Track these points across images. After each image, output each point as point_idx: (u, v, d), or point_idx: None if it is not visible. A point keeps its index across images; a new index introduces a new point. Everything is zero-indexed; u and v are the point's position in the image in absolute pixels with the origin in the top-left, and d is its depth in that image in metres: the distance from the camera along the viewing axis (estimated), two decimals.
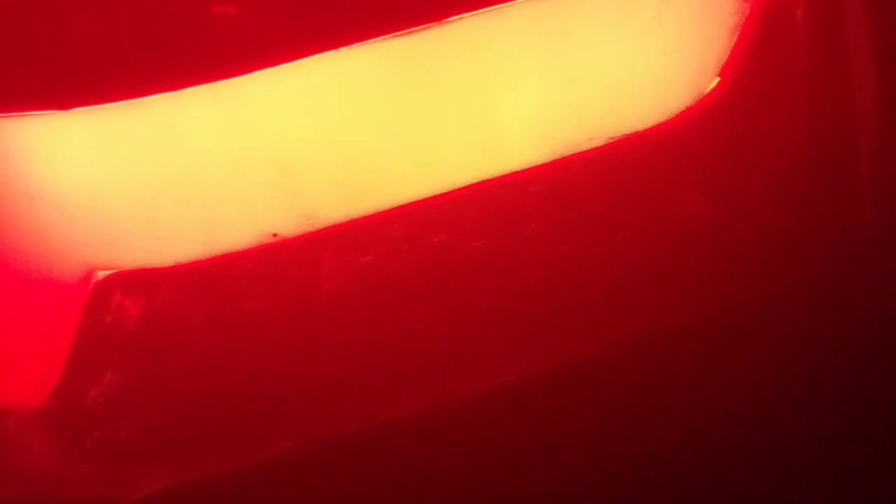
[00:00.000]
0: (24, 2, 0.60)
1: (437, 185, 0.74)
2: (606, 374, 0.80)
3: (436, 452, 0.76)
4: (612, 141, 0.78)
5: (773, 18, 0.76)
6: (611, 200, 0.80)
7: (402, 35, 0.67)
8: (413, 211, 0.72)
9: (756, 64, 0.77)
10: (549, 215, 0.79)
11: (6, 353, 0.66)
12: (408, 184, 0.72)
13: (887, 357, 0.86)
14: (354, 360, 0.73)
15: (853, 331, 0.85)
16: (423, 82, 0.70)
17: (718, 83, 0.78)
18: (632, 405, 0.82)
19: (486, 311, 0.78)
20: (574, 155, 0.78)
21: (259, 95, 0.65)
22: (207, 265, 0.68)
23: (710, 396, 0.84)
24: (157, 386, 0.68)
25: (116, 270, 0.67)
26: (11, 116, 0.62)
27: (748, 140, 0.81)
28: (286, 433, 0.70)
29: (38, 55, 0.61)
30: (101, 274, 0.66)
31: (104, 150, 0.65)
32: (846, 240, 0.83)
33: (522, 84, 0.74)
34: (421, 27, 0.68)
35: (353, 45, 0.66)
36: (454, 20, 0.68)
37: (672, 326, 0.80)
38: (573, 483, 0.84)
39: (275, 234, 0.67)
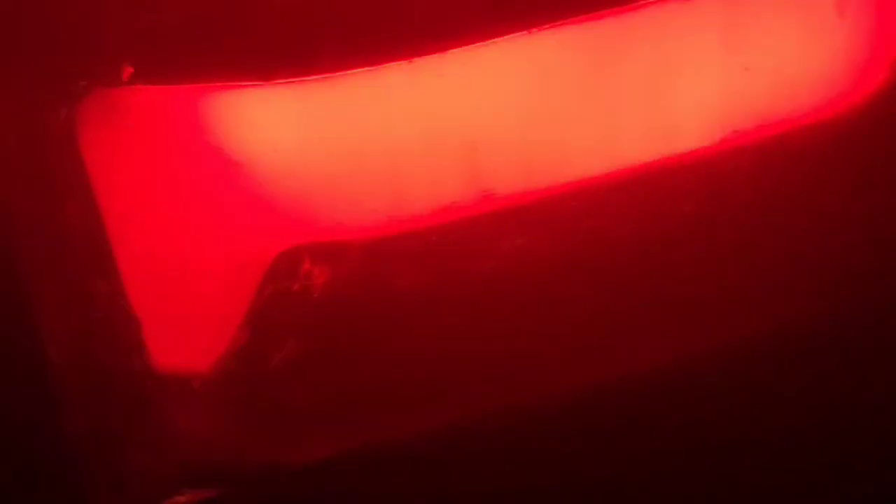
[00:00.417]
0: None
1: (610, 167, 0.75)
2: (755, 365, 0.81)
3: (589, 435, 0.78)
4: (780, 130, 0.78)
5: None
6: (773, 190, 0.80)
7: (589, 21, 0.68)
8: (584, 191, 0.74)
9: None
10: (710, 200, 0.80)
11: (178, 318, 0.69)
12: (582, 164, 0.73)
13: None
14: (523, 337, 0.74)
15: None
16: (604, 67, 0.71)
17: (892, 78, 0.77)
18: (775, 399, 0.83)
19: (643, 295, 0.79)
20: (742, 142, 0.78)
21: (453, 73, 0.67)
22: (390, 237, 0.70)
23: (849, 400, 0.84)
24: (334, 355, 0.71)
25: (303, 240, 0.69)
26: (220, 88, 0.64)
27: None
28: (451, 406, 0.72)
29: (246, 29, 0.63)
30: (287, 243, 0.68)
31: (302, 122, 0.66)
32: None
33: (699, 70, 0.74)
34: (608, 15, 0.69)
35: (543, 30, 0.67)
36: (640, 9, 0.69)
37: (827, 321, 0.81)
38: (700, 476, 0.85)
39: (459, 206, 0.69)
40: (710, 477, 0.86)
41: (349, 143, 0.68)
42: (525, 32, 0.67)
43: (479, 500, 0.77)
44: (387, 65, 0.65)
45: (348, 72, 0.65)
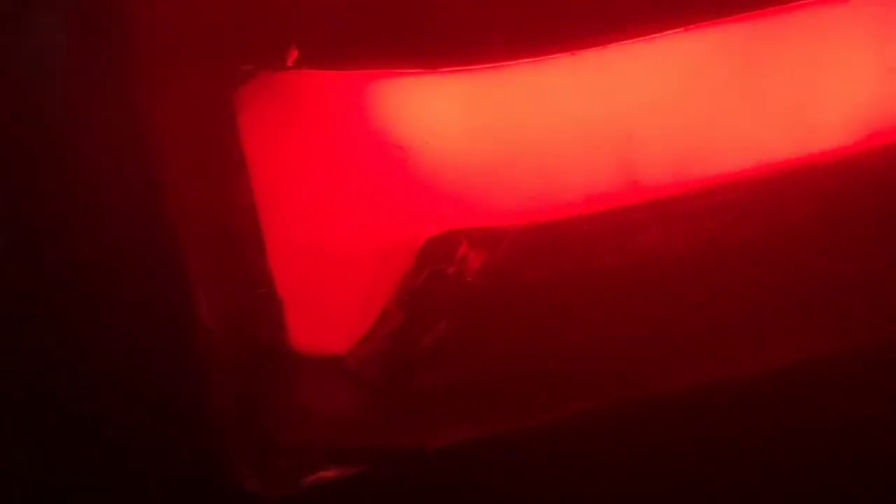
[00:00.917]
0: None
1: (752, 165, 0.75)
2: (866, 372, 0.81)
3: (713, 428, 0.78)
4: None
5: None
6: None
7: (743, 21, 0.69)
8: (725, 187, 0.74)
9: None
10: (843, 200, 0.80)
11: (322, 299, 0.70)
12: (726, 161, 0.74)
13: None
14: (660, 329, 0.75)
15: None
16: (754, 65, 0.72)
17: None
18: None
19: (774, 292, 0.80)
20: (879, 144, 0.79)
21: (612, 67, 0.68)
22: (543, 225, 0.71)
23: None
24: (482, 339, 0.72)
25: (461, 224, 0.70)
26: (385, 75, 0.66)
27: None
28: (588, 395, 0.73)
29: (415, 16, 0.64)
30: (445, 227, 0.70)
31: (465, 110, 0.68)
32: None
33: (845, 72, 0.75)
34: (763, 15, 0.70)
35: (699, 27, 0.68)
36: (795, 10, 0.70)
37: None
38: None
39: (611, 196, 0.70)
40: (832, 477, 0.86)
41: (509, 131, 0.69)
42: (681, 30, 0.68)
43: (608, 489, 0.78)
44: (551, 56, 0.66)
45: (513, 62, 0.66)
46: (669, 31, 0.68)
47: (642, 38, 0.67)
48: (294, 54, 0.64)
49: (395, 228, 0.69)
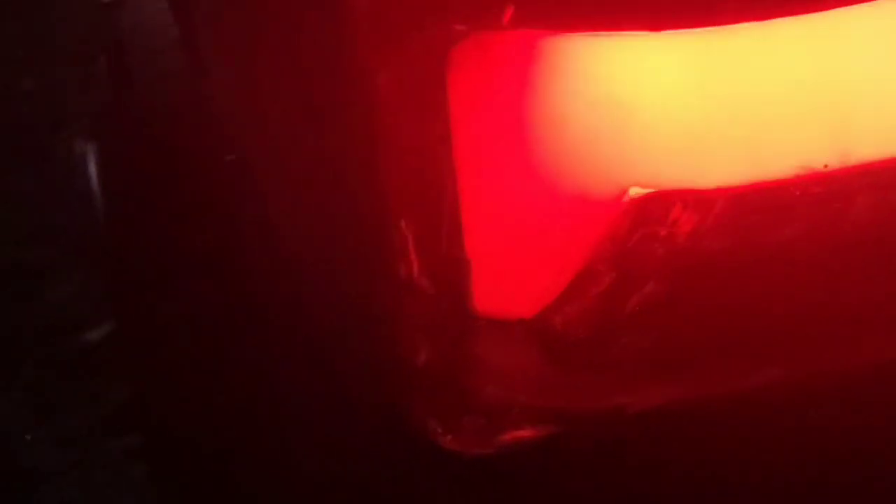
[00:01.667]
0: None
1: None
2: None
3: None
4: None
5: None
6: None
7: None
8: None
9: None
10: None
11: (512, 262, 0.69)
12: None
13: None
14: (869, 299, 0.73)
15: None
16: None
17: None
18: None
19: None
20: None
21: (836, 31, 0.66)
22: (754, 191, 0.70)
23: None
24: (685, 302, 0.71)
25: (676, 186, 0.69)
26: (604, 35, 0.65)
27: None
28: (783, 364, 0.71)
29: None
30: (635, 191, 0.69)
31: (683, 72, 0.66)
32: None
33: None
34: None
35: None
36: None
37: None
38: None
39: (825, 165, 0.68)
40: None
41: (727, 95, 0.68)
42: None
43: (794, 459, 0.77)
44: (776, 19, 0.64)
45: (738, 24, 0.64)
46: None
47: (866, 2, 0.64)
48: (509, 13, 0.64)
49: (601, 191, 0.68)
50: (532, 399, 0.69)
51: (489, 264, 0.68)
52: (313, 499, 0.81)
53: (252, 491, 1.00)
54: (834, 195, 0.70)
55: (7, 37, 2.83)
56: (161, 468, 1.79)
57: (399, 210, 0.66)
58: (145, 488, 1.77)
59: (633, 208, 0.68)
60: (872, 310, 0.73)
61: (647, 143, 0.68)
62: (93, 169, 1.25)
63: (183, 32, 1.11)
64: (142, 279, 1.13)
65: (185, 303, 1.05)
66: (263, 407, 0.90)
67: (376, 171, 0.66)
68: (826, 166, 0.68)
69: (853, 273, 0.73)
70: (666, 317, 0.70)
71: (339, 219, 0.70)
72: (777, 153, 0.69)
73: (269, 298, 0.85)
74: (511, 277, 0.69)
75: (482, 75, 0.66)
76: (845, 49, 0.67)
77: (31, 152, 2.45)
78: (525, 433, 0.69)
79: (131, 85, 1.11)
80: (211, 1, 0.86)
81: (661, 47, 0.66)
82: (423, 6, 0.64)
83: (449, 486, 0.69)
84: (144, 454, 1.82)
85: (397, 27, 0.64)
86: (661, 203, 0.69)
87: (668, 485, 0.74)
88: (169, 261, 1.08)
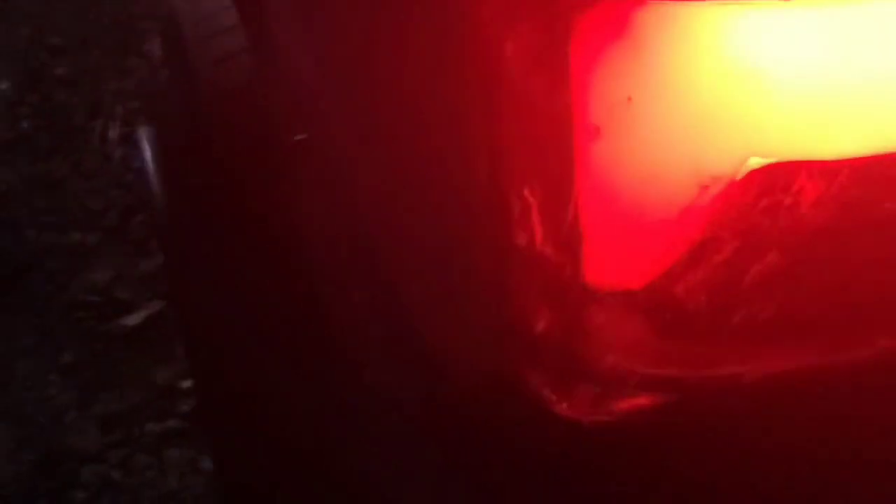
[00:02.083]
0: None
1: None
2: None
3: None
4: None
5: None
6: None
7: None
8: None
9: None
10: None
11: (624, 233, 0.68)
12: None
13: None
14: None
15: None
16: None
17: None
18: None
19: None
20: None
21: None
22: (879, 162, 0.69)
23: None
24: (802, 274, 0.70)
25: (803, 156, 0.68)
26: (735, 6, 0.64)
27: None
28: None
29: None
30: (757, 161, 0.67)
31: (814, 43, 0.65)
32: None
33: None
34: None
35: None
36: None
37: None
38: None
39: None
40: None
41: (856, 65, 0.66)
42: None
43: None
44: None
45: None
46: None
47: None
48: None
49: (723, 160, 0.67)
50: (648, 367, 0.68)
51: (605, 233, 0.67)
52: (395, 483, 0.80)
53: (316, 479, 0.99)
54: None
55: (42, 22, 2.83)
56: (203, 452, 1.79)
57: (523, 178, 0.65)
58: (186, 472, 1.76)
59: (758, 177, 0.67)
60: None
61: (772, 113, 0.66)
62: (148, 153, 1.23)
63: (243, 13, 1.10)
64: (201, 262, 1.11)
65: (252, 284, 1.04)
66: (335, 392, 0.89)
67: (499, 140, 0.65)
68: None
69: None
70: (784, 286, 0.69)
71: (446, 190, 0.69)
72: None
73: (338, 278, 0.84)
74: (627, 246, 0.68)
75: (607, 44, 0.64)
76: None
77: (67, 137, 2.45)
78: (641, 401, 0.68)
79: (189, 67, 1.09)
80: None
81: (791, 16, 0.65)
82: None
83: (562, 455, 0.68)
84: (186, 438, 1.82)
85: None
86: (786, 172, 0.67)
87: (778, 461, 0.73)
88: (232, 243, 1.06)
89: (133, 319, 2.03)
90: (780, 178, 0.67)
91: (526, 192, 0.65)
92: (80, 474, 1.76)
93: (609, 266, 0.68)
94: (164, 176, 1.19)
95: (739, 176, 0.67)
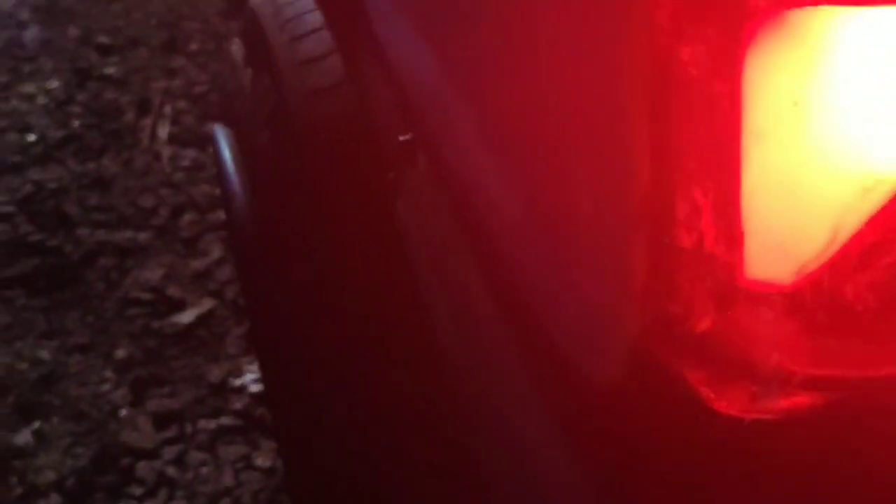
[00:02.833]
0: None
1: None
2: None
3: None
4: None
5: None
6: None
7: None
8: None
9: None
10: None
11: (778, 231, 0.67)
12: None
13: None
14: None
15: None
16: None
17: None
18: None
19: None
20: None
21: None
22: None
23: None
24: None
25: None
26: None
27: None
28: None
29: None
30: None
31: None
32: None
33: None
34: None
35: None
36: None
37: None
38: None
39: None
40: None
41: None
42: None
43: None
44: None
45: None
46: None
47: None
48: None
49: (890, 163, 0.66)
50: (811, 367, 0.67)
51: (770, 234, 0.66)
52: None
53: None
54: None
55: (90, 23, 2.83)
56: (255, 449, 1.78)
57: (693, 180, 0.64)
58: (241, 468, 1.76)
59: None
60: None
61: None
62: (227, 152, 1.23)
63: (328, 16, 1.10)
64: (282, 259, 1.11)
65: (341, 284, 1.03)
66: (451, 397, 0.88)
67: (669, 142, 0.64)
68: None
69: None
70: None
71: (599, 192, 0.68)
72: None
73: (452, 279, 0.83)
74: (792, 247, 0.68)
75: (779, 49, 0.64)
76: None
77: (117, 136, 2.46)
78: (802, 399, 0.67)
79: (274, 69, 1.09)
80: None
81: None
82: None
83: (721, 451, 0.67)
84: (240, 434, 1.81)
85: (703, 1, 0.62)
86: None
87: None
88: (319, 241, 1.06)
89: (185, 317, 2.03)
90: None
91: (696, 194, 0.65)
92: (135, 470, 1.76)
93: (773, 267, 0.68)
94: (245, 176, 1.18)
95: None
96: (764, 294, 0.66)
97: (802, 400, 0.66)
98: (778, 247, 0.67)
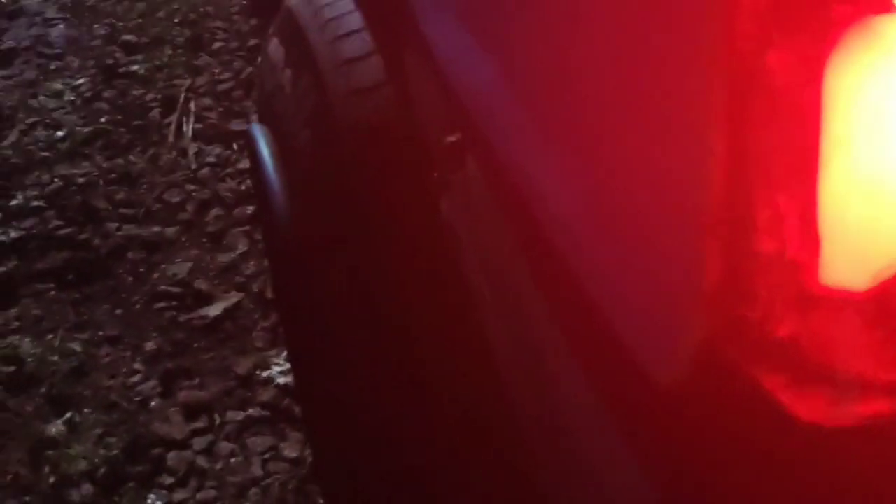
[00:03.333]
0: None
1: None
2: None
3: None
4: None
5: None
6: None
7: None
8: None
9: None
10: None
11: (858, 238, 0.67)
12: None
13: None
14: None
15: None
16: None
17: None
18: None
19: None
20: None
21: None
22: None
23: None
24: None
25: None
26: None
27: None
28: None
29: None
30: None
31: None
32: None
33: None
34: None
35: None
36: None
37: None
38: None
39: None
40: None
41: None
42: None
43: None
44: None
45: None
46: None
47: None
48: None
49: None
50: (890, 372, 0.67)
51: (853, 240, 0.66)
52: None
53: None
54: None
55: (116, 21, 2.85)
56: (283, 440, 1.80)
57: (775, 186, 0.64)
58: (269, 459, 1.78)
59: None
60: None
61: None
62: (265, 152, 1.24)
63: (368, 17, 1.11)
64: (320, 265, 1.11)
65: (387, 282, 1.04)
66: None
67: (752, 148, 0.64)
68: None
69: None
70: None
71: (670, 197, 0.68)
72: None
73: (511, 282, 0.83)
74: (875, 253, 0.67)
75: (864, 56, 0.64)
76: None
77: (143, 132, 2.48)
78: (883, 405, 0.67)
79: (315, 70, 1.10)
80: None
81: None
82: None
83: (799, 457, 0.67)
84: (267, 426, 1.84)
85: (787, 7, 0.63)
86: None
87: None
88: (362, 240, 1.06)
89: (213, 311, 2.05)
90: None
91: (779, 200, 0.64)
92: (166, 460, 1.78)
93: (851, 273, 0.67)
94: (284, 175, 1.20)
95: None
96: (844, 299, 0.66)
97: (883, 406, 0.66)
98: (856, 252, 0.67)
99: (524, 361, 0.79)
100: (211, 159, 2.37)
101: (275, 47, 1.27)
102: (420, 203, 0.99)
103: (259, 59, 1.36)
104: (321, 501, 1.68)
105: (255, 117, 1.68)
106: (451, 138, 0.88)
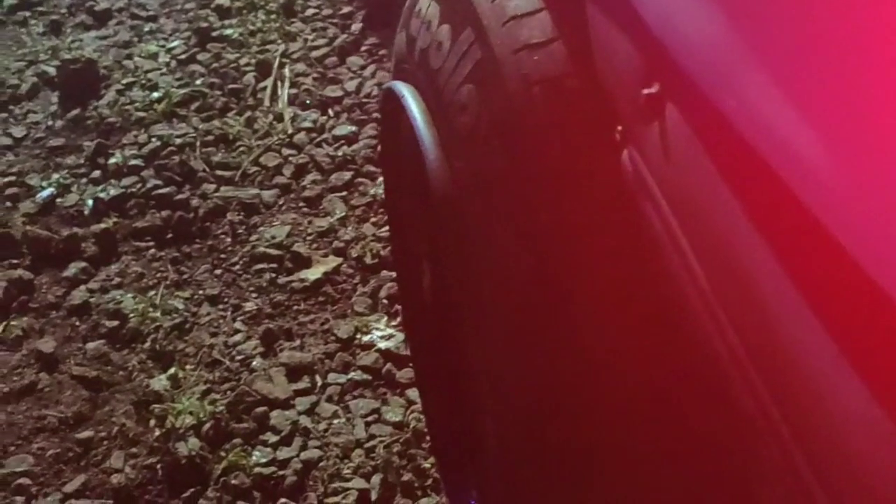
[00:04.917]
0: None
1: None
2: None
3: None
4: None
5: None
6: None
7: None
8: None
9: None
10: None
11: None
12: None
13: None
14: None
15: None
16: None
17: None
18: None
19: None
20: None
21: None
22: None
23: None
24: None
25: None
26: None
27: None
28: None
29: None
30: None
31: None
32: None
33: None
34: None
35: None
36: None
37: None
38: None
39: None
40: None
41: None
42: None
43: None
44: None
45: None
46: None
47: None
48: None
49: None
50: None
51: None
52: None
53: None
54: None
55: None
56: (385, 404, 1.78)
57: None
58: (372, 421, 1.76)
59: None
60: None
61: None
62: (416, 109, 1.21)
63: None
64: (482, 225, 1.07)
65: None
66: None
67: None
68: None
69: None
70: None
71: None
72: None
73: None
74: None
75: None
76: None
77: (239, 96, 2.45)
78: None
79: (476, 27, 1.07)
80: None
81: None
82: None
83: None
84: (369, 388, 1.81)
85: None
86: None
87: None
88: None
89: (312, 274, 2.03)
90: None
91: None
92: (269, 418, 1.76)
93: None
94: (435, 133, 1.17)
95: None
96: None
97: None
98: None
99: (758, 346, 0.73)
100: (307, 124, 2.35)
101: (426, 4, 1.24)
102: (600, 160, 0.95)
103: (402, 19, 1.32)
104: (426, 464, 1.66)
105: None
106: (648, 91, 0.85)
